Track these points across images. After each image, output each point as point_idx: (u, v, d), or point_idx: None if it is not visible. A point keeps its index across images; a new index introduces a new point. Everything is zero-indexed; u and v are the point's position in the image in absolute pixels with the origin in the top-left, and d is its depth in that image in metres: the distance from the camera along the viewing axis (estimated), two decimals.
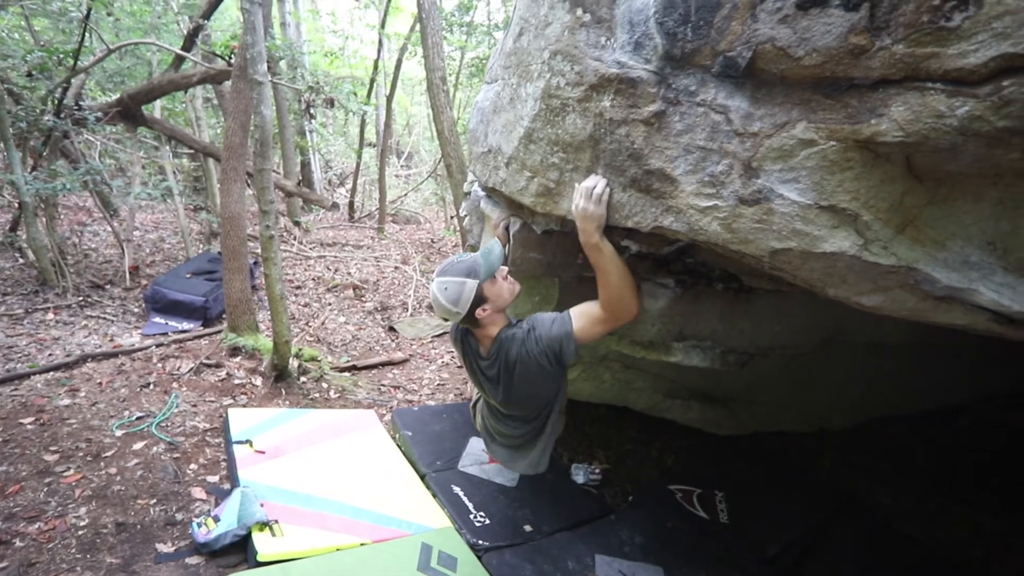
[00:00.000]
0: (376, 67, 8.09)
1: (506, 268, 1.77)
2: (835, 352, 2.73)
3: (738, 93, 1.08)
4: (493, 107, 1.69)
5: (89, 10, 3.74)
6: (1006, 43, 0.80)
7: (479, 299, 1.66)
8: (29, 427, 2.58)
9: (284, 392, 3.33)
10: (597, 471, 3.14)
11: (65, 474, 2.30)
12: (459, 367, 4.31)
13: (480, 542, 2.34)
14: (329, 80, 5.96)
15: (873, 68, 0.92)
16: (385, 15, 7.32)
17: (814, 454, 3.53)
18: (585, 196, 1.41)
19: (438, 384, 3.97)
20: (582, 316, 1.66)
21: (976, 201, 1.00)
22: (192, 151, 6.40)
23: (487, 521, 2.51)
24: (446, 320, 1.85)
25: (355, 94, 5.79)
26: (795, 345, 2.79)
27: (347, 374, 3.87)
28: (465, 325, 1.79)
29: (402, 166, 13.72)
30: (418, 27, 5.66)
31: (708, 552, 2.57)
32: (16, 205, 4.51)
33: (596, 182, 1.40)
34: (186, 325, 4.09)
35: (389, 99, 7.80)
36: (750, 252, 1.17)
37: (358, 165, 8.73)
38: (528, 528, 2.55)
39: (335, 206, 7.87)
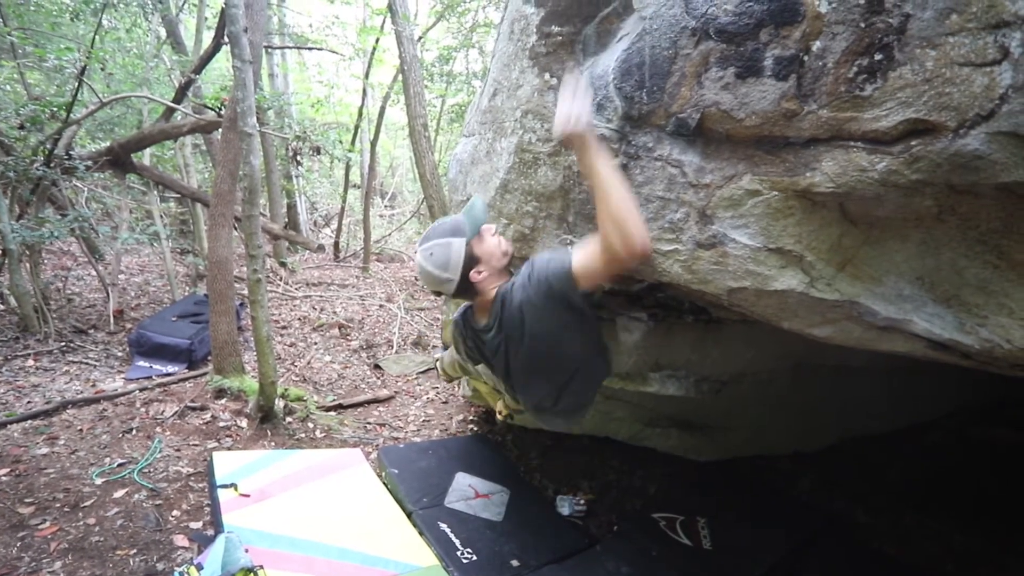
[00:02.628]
0: (360, 114, 8.35)
1: (493, 225, 1.58)
2: (806, 376, 2.81)
3: (691, 149, 1.21)
4: (471, 159, 1.81)
5: (84, 66, 3.87)
6: (909, 110, 0.93)
7: (470, 259, 1.46)
8: (4, 479, 2.54)
9: (270, 433, 3.32)
10: (582, 502, 3.16)
11: (40, 527, 2.26)
12: (444, 402, 4.32)
13: None
14: (315, 127, 6.15)
15: (804, 129, 1.05)
16: (369, 66, 7.62)
17: (792, 476, 3.60)
18: (570, 95, 1.24)
19: (424, 420, 3.97)
20: (581, 248, 1.36)
21: (903, 241, 1.12)
22: (180, 196, 6.47)
23: (474, 557, 2.51)
24: (438, 294, 1.59)
25: (340, 141, 5.97)
26: (767, 371, 2.93)
27: (333, 413, 3.86)
28: (463, 298, 1.58)
29: (386, 206, 13.92)
30: (400, 77, 5.91)
31: None
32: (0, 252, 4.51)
33: (575, 78, 1.28)
34: (171, 368, 4.07)
35: (373, 144, 8.02)
36: (710, 291, 1.27)
37: (343, 207, 8.88)
38: (515, 563, 2.55)
39: (320, 247, 7.95)
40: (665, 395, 2.91)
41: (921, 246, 1.11)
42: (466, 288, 1.50)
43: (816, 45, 1.00)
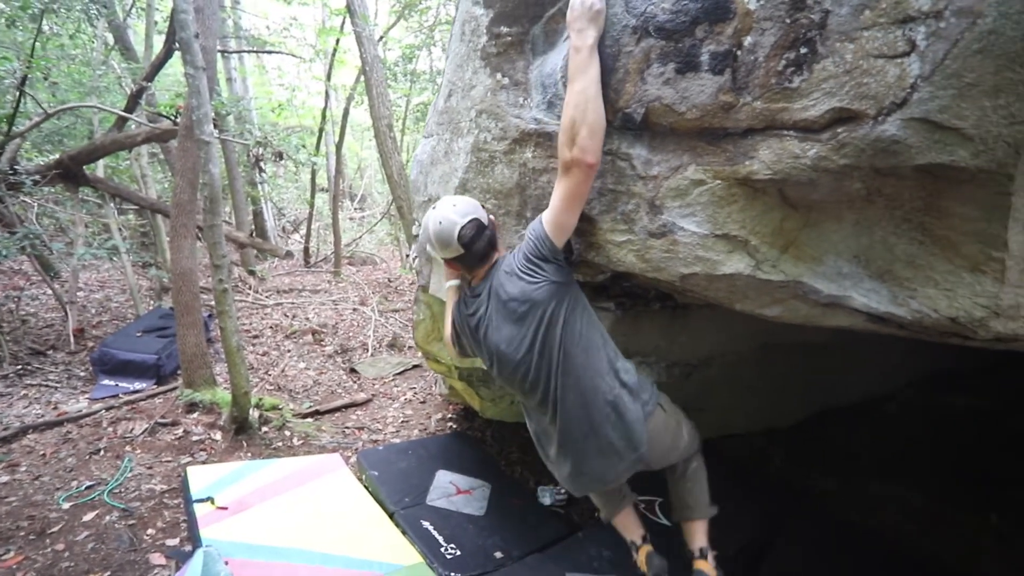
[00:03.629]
0: (324, 117, 8.23)
1: None
2: (773, 355, 2.91)
3: (638, 143, 1.26)
4: (431, 160, 1.83)
5: (24, 76, 3.72)
6: (834, 99, 1.00)
7: (489, 219, 1.49)
8: None
9: (246, 444, 3.28)
10: (563, 492, 3.22)
11: (4, 558, 2.20)
12: (422, 402, 4.33)
13: (452, 574, 2.36)
14: (277, 132, 6.04)
15: (741, 120, 1.11)
16: (330, 68, 7.52)
17: (765, 454, 3.73)
18: None
19: (402, 421, 3.97)
20: (550, 204, 1.37)
21: (839, 222, 1.19)
22: (139, 208, 6.28)
23: (458, 552, 2.54)
24: (453, 259, 1.51)
25: (303, 145, 5.88)
26: (734, 352, 3.02)
27: (310, 420, 3.83)
28: (471, 261, 1.50)
29: (356, 209, 13.75)
30: (363, 78, 5.85)
31: (673, 557, 2.67)
32: None
33: None
34: (138, 385, 3.97)
35: (338, 147, 7.92)
36: (663, 278, 1.33)
37: (311, 212, 8.75)
38: (499, 555, 2.59)
39: (289, 254, 7.83)
40: None
41: (855, 226, 1.18)
42: (487, 237, 1.47)
43: (747, 40, 1.06)
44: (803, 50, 1.00)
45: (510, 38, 1.43)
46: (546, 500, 3.17)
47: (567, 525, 2.97)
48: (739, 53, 1.07)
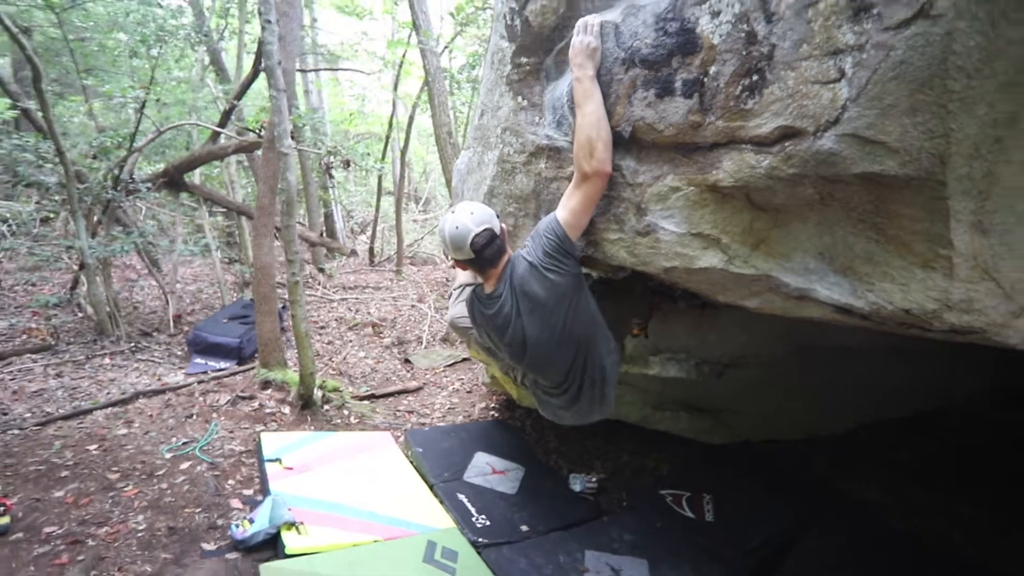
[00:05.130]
0: (391, 125, 8.81)
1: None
2: (813, 360, 2.85)
3: (627, 155, 1.47)
4: (467, 169, 2.12)
5: (143, 102, 4.41)
6: (780, 119, 1.18)
7: (499, 225, 1.61)
8: (94, 452, 3.01)
9: (309, 419, 3.72)
10: (594, 480, 3.40)
11: (125, 489, 2.70)
12: (468, 392, 4.65)
13: (480, 540, 2.63)
14: (347, 139, 6.61)
15: (707, 136, 1.30)
16: (397, 78, 8.06)
17: (805, 459, 3.69)
18: (583, 30, 1.46)
19: (448, 408, 4.30)
20: (562, 204, 1.54)
21: (803, 223, 1.36)
22: (226, 210, 7.06)
23: (488, 523, 2.81)
24: (464, 262, 1.64)
25: (368, 153, 6.41)
26: (768, 353, 3.03)
27: (366, 402, 4.24)
28: (482, 263, 1.61)
29: (420, 211, 14.40)
30: (427, 88, 6.30)
31: (692, 546, 2.79)
32: (76, 267, 5.13)
33: (593, 18, 1.47)
34: (223, 364, 4.55)
35: (403, 153, 8.46)
36: (650, 271, 1.53)
37: (376, 214, 9.36)
38: (525, 528, 2.83)
39: (354, 253, 8.44)
40: (668, 377, 3.10)
41: (818, 226, 1.34)
42: (497, 245, 1.58)
43: (712, 69, 1.26)
44: (755, 77, 1.19)
45: (528, 67, 1.69)
46: (577, 487, 3.36)
47: (593, 510, 3.15)
48: (705, 80, 1.26)
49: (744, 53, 1.20)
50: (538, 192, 1.75)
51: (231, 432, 3.42)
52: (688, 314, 2.73)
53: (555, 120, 1.62)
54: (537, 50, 1.66)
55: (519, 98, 1.73)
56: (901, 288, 1.29)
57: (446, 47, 8.27)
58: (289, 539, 2.35)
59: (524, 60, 1.70)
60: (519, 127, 1.74)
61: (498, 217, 1.64)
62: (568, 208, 1.52)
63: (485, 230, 1.56)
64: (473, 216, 1.57)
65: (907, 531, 2.92)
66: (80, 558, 2.19)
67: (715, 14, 1.22)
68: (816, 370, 3.08)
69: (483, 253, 1.57)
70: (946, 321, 1.28)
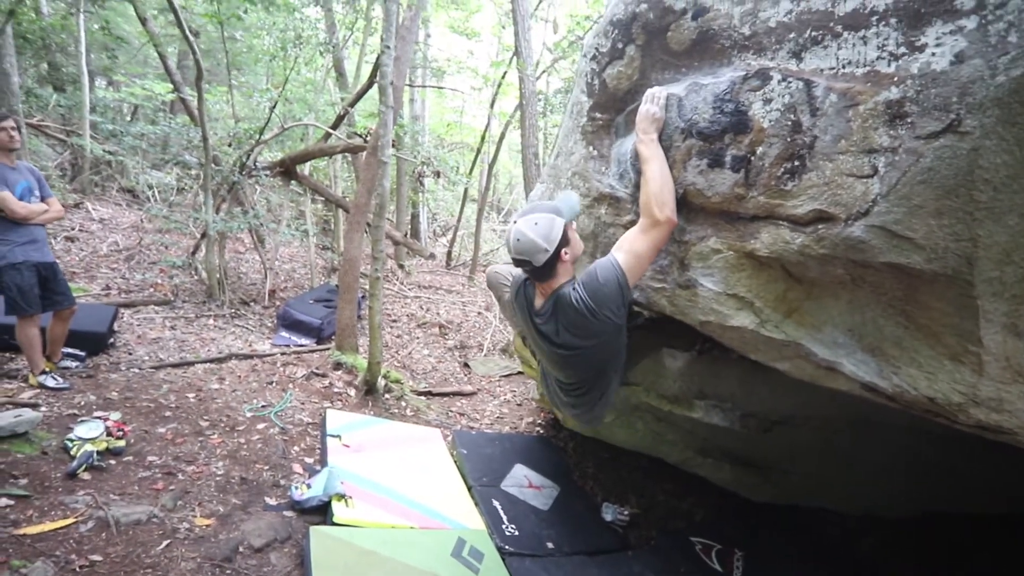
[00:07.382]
0: (483, 138, 9.28)
1: (575, 222, 1.80)
2: (874, 432, 2.74)
3: (678, 215, 1.61)
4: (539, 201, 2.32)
5: (276, 102, 5.07)
6: (816, 203, 1.29)
7: (564, 239, 1.65)
8: (192, 400, 3.51)
9: (371, 404, 4.07)
10: (626, 513, 3.44)
11: (212, 437, 3.14)
12: (519, 404, 4.83)
13: (507, 547, 2.79)
14: (443, 147, 7.09)
15: (749, 208, 1.42)
16: (495, 96, 8.50)
17: (855, 535, 3.51)
18: (650, 100, 1.60)
19: (497, 417, 4.51)
20: (623, 248, 1.61)
21: (836, 299, 1.43)
22: (327, 201, 7.77)
23: (516, 532, 2.96)
24: (520, 265, 1.72)
25: (458, 166, 6.83)
26: (820, 417, 2.94)
27: (423, 397, 4.56)
28: (536, 276, 1.73)
29: (501, 221, 14.87)
30: (520, 111, 6.63)
31: None
32: (198, 235, 5.90)
33: (659, 90, 1.60)
34: (304, 341, 5.06)
35: (491, 166, 8.88)
36: (687, 321, 1.65)
37: (458, 220, 9.87)
38: (551, 545, 2.95)
39: (432, 256, 8.93)
40: (711, 424, 3.10)
41: (850, 304, 1.41)
42: (552, 264, 1.66)
43: (759, 149, 1.38)
44: (796, 163, 1.30)
45: (601, 122, 1.87)
46: (608, 516, 3.42)
47: (620, 542, 3.20)
48: (752, 158, 1.39)
49: (789, 140, 1.32)
50: (596, 234, 1.92)
51: (302, 404, 3.84)
52: (740, 364, 2.74)
53: (618, 172, 1.78)
54: (610, 108, 1.84)
55: (590, 147, 1.91)
56: (927, 376, 1.33)
57: (544, 71, 8.60)
58: (338, 509, 2.64)
59: (598, 115, 1.88)
60: (587, 173, 1.92)
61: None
62: (633, 252, 1.59)
63: (543, 250, 1.64)
64: (536, 228, 1.64)
65: None
66: (171, 488, 2.61)
67: (767, 101, 1.35)
68: (875, 444, 2.93)
69: (536, 267, 1.68)
70: (972, 416, 1.30)
